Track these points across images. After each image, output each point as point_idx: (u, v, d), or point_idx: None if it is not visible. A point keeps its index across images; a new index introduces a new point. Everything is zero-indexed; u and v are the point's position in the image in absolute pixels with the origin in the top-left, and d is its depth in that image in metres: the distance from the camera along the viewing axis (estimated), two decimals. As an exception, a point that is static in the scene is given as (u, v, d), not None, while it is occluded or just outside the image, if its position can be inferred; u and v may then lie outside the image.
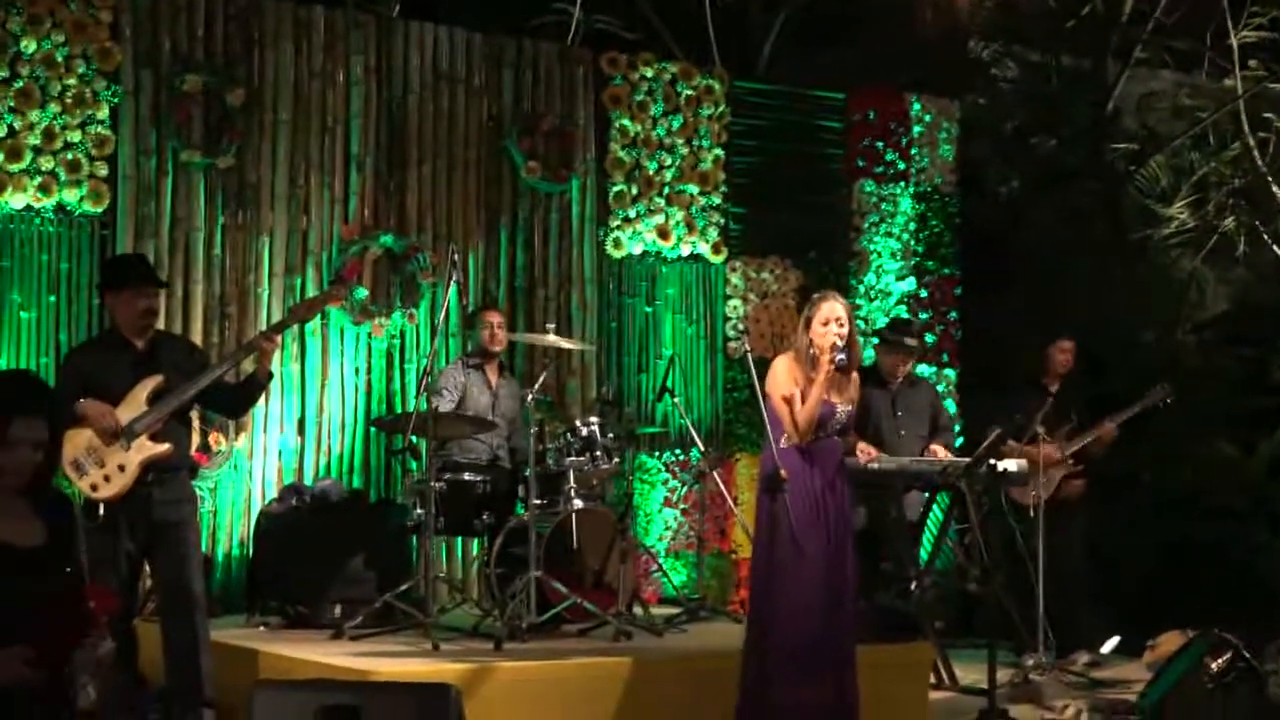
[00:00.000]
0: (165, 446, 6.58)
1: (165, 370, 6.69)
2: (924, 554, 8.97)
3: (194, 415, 7.21)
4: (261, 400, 8.81)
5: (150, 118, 8.93)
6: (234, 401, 7.21)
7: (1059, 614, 8.84)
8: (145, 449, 6.55)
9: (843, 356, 6.63)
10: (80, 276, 8.73)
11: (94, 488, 6.52)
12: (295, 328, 9.01)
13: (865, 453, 6.82)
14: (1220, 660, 7.03)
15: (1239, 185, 10.58)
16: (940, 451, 8.65)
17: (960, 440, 10.97)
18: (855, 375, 6.91)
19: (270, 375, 7.02)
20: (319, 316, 9.29)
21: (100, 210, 8.76)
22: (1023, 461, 8.43)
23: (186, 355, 6.98)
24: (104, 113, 8.76)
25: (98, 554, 6.66)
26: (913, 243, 11.32)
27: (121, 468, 6.52)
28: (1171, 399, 9.20)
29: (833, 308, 6.72)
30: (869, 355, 9.20)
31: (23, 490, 4.44)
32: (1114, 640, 9.39)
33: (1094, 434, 9.21)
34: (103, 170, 8.74)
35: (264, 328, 8.79)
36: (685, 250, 10.52)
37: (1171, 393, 9.19)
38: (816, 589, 6.61)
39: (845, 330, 6.68)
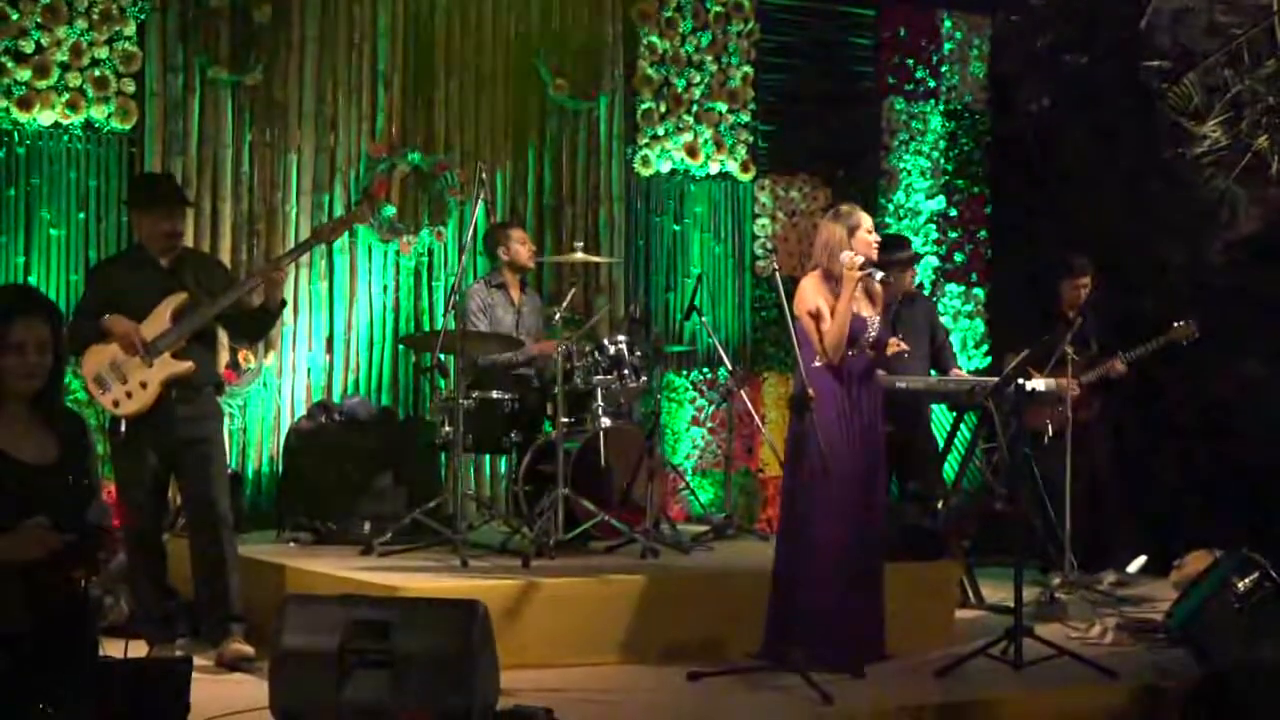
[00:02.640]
0: (188, 364, 6.61)
1: (190, 288, 6.71)
2: (950, 473, 8.98)
3: (221, 332, 7.22)
4: (290, 317, 8.88)
5: (178, 34, 8.90)
6: (249, 327, 7.23)
7: (1086, 534, 8.84)
8: (168, 366, 6.58)
9: (875, 269, 6.67)
10: (109, 193, 8.74)
11: (116, 403, 6.58)
12: (323, 246, 9.06)
13: (895, 345, 6.83)
14: (1247, 580, 7.04)
15: (1273, 103, 10.44)
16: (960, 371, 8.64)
17: (988, 360, 10.96)
18: (880, 287, 6.93)
19: (283, 304, 7.03)
20: (347, 234, 9.29)
21: (128, 127, 8.75)
22: (1051, 381, 8.42)
23: (211, 273, 7.00)
24: (131, 29, 8.73)
25: (124, 472, 6.74)
26: (942, 161, 11.26)
27: (144, 384, 6.55)
28: (1197, 336, 9.14)
29: (864, 217, 6.79)
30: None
31: (36, 407, 4.45)
32: (1140, 559, 9.39)
33: (1103, 369, 9.18)
34: (130, 87, 8.73)
35: (292, 244, 8.82)
36: (714, 168, 10.48)
37: (1196, 330, 9.12)
38: (845, 506, 6.64)
39: (876, 239, 6.79)
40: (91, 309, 6.69)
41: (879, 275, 6.79)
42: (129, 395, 6.57)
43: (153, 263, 6.77)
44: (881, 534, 6.92)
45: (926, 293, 10.78)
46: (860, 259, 6.67)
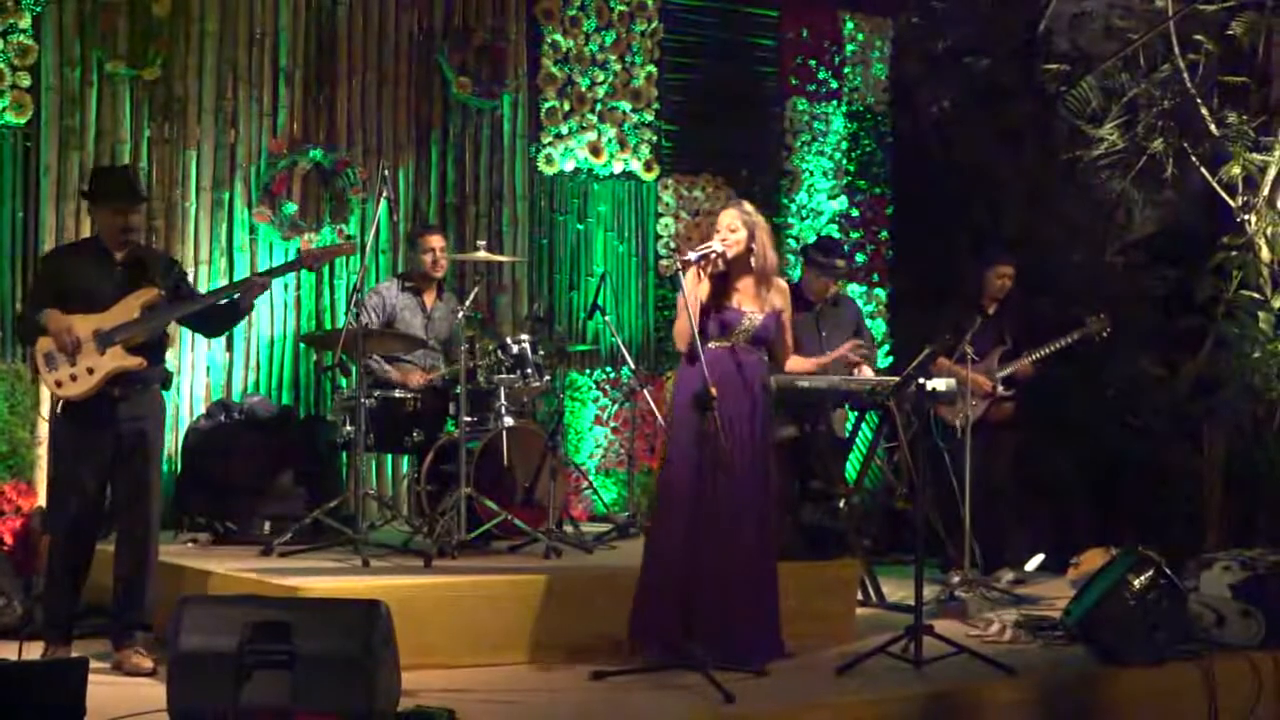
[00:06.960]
0: (138, 360, 6.57)
1: (157, 284, 6.66)
2: (852, 472, 9.02)
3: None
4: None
5: (74, 27, 8.78)
6: (215, 322, 7.15)
7: (985, 533, 8.92)
8: (118, 358, 6.53)
9: (690, 256, 6.67)
10: (3, 188, 8.61)
11: (59, 384, 6.54)
12: (223, 245, 9.03)
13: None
14: (1143, 577, 7.12)
15: (1168, 107, 10.59)
16: (866, 370, 8.66)
17: (890, 360, 11.04)
18: (783, 284, 6.93)
19: (251, 307, 7.03)
20: (247, 232, 9.22)
21: (23, 122, 8.63)
22: (951, 381, 8.45)
23: (166, 270, 6.92)
24: (26, 22, 8.60)
25: (65, 462, 6.69)
26: (845, 161, 11.34)
27: (90, 370, 6.51)
28: (1109, 331, 9.22)
29: (723, 215, 6.84)
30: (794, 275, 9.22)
31: None
32: (1038, 558, 9.49)
33: (1016, 365, 9.24)
34: (25, 81, 8.60)
35: (191, 241, 8.70)
36: (617, 167, 10.49)
37: (1109, 325, 9.21)
38: (700, 505, 6.62)
39: (739, 236, 6.72)
40: (43, 299, 6.63)
41: (692, 257, 6.76)
42: (73, 378, 6.50)
43: (108, 255, 6.70)
44: (775, 528, 6.93)
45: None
46: (691, 255, 6.71)
